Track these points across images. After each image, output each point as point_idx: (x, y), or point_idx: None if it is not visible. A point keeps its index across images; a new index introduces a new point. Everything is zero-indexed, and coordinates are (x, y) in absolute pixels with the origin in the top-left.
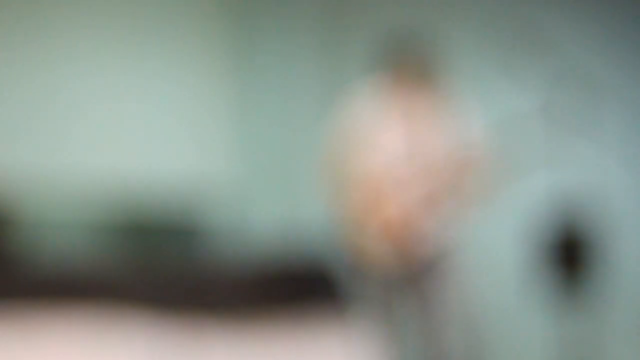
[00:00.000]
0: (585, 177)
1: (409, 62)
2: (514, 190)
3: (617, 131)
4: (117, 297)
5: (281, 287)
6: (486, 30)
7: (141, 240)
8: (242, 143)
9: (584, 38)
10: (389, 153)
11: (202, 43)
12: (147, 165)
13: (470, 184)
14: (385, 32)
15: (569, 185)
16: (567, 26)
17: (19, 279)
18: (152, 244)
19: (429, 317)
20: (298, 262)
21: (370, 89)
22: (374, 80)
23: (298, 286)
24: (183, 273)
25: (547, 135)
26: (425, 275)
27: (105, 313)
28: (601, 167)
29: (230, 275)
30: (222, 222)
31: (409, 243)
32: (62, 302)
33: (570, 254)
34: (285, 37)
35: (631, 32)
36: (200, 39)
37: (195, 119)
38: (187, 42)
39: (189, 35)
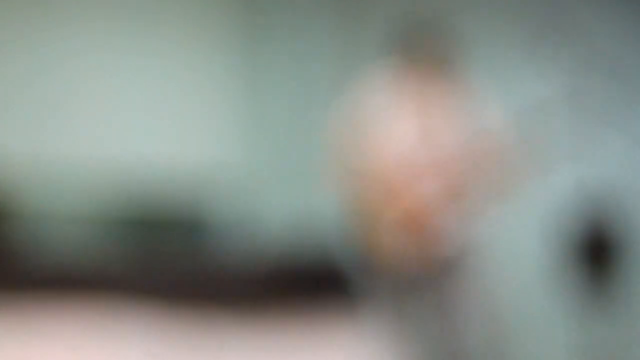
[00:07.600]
0: (614, 170)
1: (425, 47)
2: (538, 184)
3: None
4: (122, 291)
5: (291, 281)
6: (510, 15)
7: (147, 233)
8: (253, 132)
9: (612, 23)
10: (403, 142)
11: (212, 27)
12: (154, 155)
13: (491, 176)
14: (401, 16)
15: (596, 180)
16: (595, 10)
17: (22, 273)
18: (159, 237)
19: (447, 316)
20: (309, 256)
21: (384, 75)
22: (388, 66)
23: (308, 281)
24: (191, 266)
25: (574, 125)
26: (444, 273)
27: (110, 307)
28: (631, 160)
29: (239, 269)
30: (232, 214)
31: (427, 237)
32: (66, 295)
33: (597, 254)
34: (298, 23)
35: None
36: (211, 23)
37: (205, 107)
38: (197, 26)
39: (200, 19)
